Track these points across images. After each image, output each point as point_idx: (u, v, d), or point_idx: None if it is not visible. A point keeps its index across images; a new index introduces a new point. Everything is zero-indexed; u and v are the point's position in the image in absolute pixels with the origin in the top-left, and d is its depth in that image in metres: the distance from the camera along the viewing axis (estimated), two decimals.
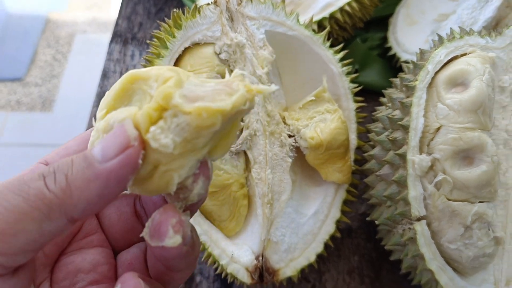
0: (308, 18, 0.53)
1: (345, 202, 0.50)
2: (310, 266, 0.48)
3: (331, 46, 0.51)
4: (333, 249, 0.56)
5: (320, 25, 0.60)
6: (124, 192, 0.26)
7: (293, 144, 0.48)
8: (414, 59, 0.61)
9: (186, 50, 0.46)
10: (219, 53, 0.46)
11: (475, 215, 0.41)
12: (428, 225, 0.42)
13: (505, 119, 0.45)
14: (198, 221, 0.45)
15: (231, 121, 0.27)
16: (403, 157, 0.42)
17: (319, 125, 0.47)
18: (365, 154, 0.49)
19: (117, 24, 0.82)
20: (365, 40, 0.73)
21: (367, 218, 0.49)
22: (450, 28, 0.49)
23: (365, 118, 0.53)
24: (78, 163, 0.24)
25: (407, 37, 0.68)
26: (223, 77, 0.46)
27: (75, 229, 0.32)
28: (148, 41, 0.48)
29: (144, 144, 0.25)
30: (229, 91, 0.25)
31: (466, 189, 0.41)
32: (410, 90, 0.44)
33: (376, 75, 0.69)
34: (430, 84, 0.44)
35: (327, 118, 0.48)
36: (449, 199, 0.41)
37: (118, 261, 0.33)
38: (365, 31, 0.74)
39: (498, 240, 0.42)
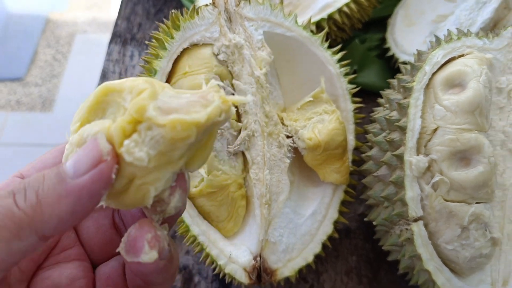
0: (306, 19, 0.53)
1: (343, 203, 0.50)
2: (308, 266, 0.48)
3: (330, 47, 0.52)
4: (331, 249, 0.56)
5: (319, 26, 0.61)
6: (100, 204, 0.26)
7: (291, 145, 0.49)
8: (413, 60, 0.61)
9: (184, 51, 0.46)
10: (218, 54, 0.46)
11: (472, 216, 0.41)
12: (425, 225, 0.42)
13: (502, 120, 0.45)
14: (196, 221, 0.46)
15: (207, 133, 0.27)
16: (400, 158, 0.42)
17: (317, 126, 0.47)
18: (363, 155, 0.49)
19: (116, 24, 0.82)
20: (363, 41, 0.73)
21: (365, 219, 0.50)
22: (448, 29, 0.49)
23: (363, 119, 0.54)
24: (50, 179, 0.24)
25: (405, 38, 0.68)
26: (221, 77, 0.46)
27: (52, 243, 0.32)
28: (146, 42, 0.48)
29: (118, 158, 0.24)
30: (204, 103, 0.25)
31: (463, 190, 0.41)
32: (407, 91, 0.44)
33: (374, 76, 0.70)
34: (428, 85, 0.44)
35: (325, 119, 0.48)
36: (446, 200, 0.41)
37: (96, 275, 0.32)
38: (364, 32, 0.74)
39: (495, 241, 0.43)
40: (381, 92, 0.51)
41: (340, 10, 0.60)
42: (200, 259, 0.47)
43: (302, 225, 0.48)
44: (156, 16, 0.83)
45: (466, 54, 0.45)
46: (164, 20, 0.47)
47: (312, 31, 0.51)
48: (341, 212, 0.50)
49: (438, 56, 0.45)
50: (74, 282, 0.30)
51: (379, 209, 0.47)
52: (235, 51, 0.47)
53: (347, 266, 0.56)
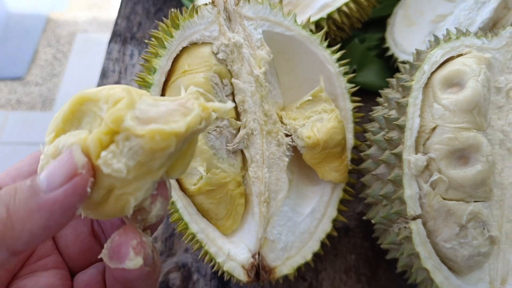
0: (305, 18, 0.53)
1: (342, 201, 0.51)
2: (307, 264, 0.48)
3: (329, 46, 0.52)
4: (330, 248, 0.56)
5: (318, 26, 0.61)
6: (78, 214, 0.25)
7: (290, 143, 0.49)
8: (412, 59, 0.61)
9: (184, 49, 0.46)
10: (217, 53, 0.47)
11: (470, 214, 0.41)
12: (424, 224, 0.43)
13: (501, 120, 0.45)
14: (195, 219, 0.46)
15: (188, 141, 0.26)
16: (398, 156, 0.42)
17: (316, 124, 0.48)
18: (362, 154, 0.49)
19: (116, 23, 0.82)
20: (363, 40, 0.74)
21: (364, 217, 0.50)
22: (446, 29, 0.49)
23: (362, 118, 0.54)
24: (22, 193, 0.23)
25: (405, 37, 0.68)
26: (220, 76, 0.46)
27: (28, 252, 0.31)
28: (146, 41, 0.48)
29: (94, 170, 0.24)
30: (183, 111, 0.25)
31: (461, 189, 0.41)
32: (406, 90, 0.44)
33: (373, 76, 0.70)
34: (426, 85, 0.44)
35: (324, 118, 0.48)
36: (444, 198, 0.42)
37: (75, 283, 0.32)
38: (363, 31, 0.75)
39: (493, 239, 0.43)
40: (380, 91, 0.51)
41: (339, 10, 0.60)
42: (199, 257, 0.47)
43: (301, 224, 0.48)
44: (156, 15, 0.83)
45: (465, 54, 0.45)
46: (164, 19, 0.47)
47: (311, 31, 0.51)
48: (340, 211, 0.50)
49: (437, 55, 0.45)
50: None
51: (378, 207, 0.47)
52: (234, 50, 0.47)
53: (346, 265, 0.56)
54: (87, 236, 0.33)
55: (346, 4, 0.60)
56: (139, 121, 0.24)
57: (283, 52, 0.51)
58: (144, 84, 0.45)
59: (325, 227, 0.49)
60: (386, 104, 0.48)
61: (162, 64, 0.45)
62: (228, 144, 0.46)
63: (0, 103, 1.91)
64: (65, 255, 0.32)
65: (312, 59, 0.51)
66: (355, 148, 0.52)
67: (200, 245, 0.45)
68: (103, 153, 0.23)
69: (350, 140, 0.51)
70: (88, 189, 0.23)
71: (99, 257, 0.27)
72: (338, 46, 0.52)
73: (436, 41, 0.47)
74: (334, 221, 0.50)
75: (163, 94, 0.46)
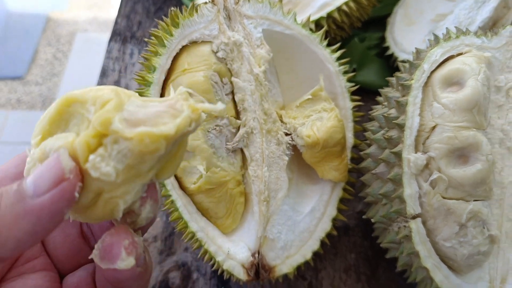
0: (305, 17, 0.53)
1: (342, 200, 0.51)
2: (307, 263, 0.48)
3: (329, 45, 0.52)
4: (329, 247, 0.56)
5: (318, 25, 0.61)
6: (67, 218, 0.25)
7: (290, 142, 0.49)
8: (411, 58, 0.61)
9: (183, 48, 0.46)
10: (217, 52, 0.47)
11: (470, 213, 0.41)
12: (423, 223, 0.43)
13: (501, 119, 0.45)
14: (195, 218, 0.46)
15: (178, 143, 0.26)
16: (398, 155, 0.42)
17: (316, 123, 0.48)
18: (362, 153, 0.49)
19: (116, 22, 0.82)
20: (363, 39, 0.74)
21: (363, 216, 0.50)
22: (446, 28, 0.49)
23: (362, 117, 0.54)
24: (8, 198, 0.22)
25: (405, 37, 0.68)
26: (220, 75, 0.46)
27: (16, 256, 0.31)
28: (146, 39, 0.48)
29: (82, 174, 0.23)
30: (173, 113, 0.24)
31: (461, 188, 0.41)
32: (406, 89, 0.44)
33: (373, 75, 0.70)
34: (426, 83, 0.44)
35: (324, 117, 0.48)
36: (444, 197, 0.42)
37: (64, 285, 0.31)
38: (363, 30, 0.75)
39: (493, 238, 0.43)
40: (380, 90, 0.51)
41: (339, 9, 0.60)
42: (199, 256, 0.47)
43: (301, 222, 0.48)
44: (156, 14, 0.83)
45: (465, 53, 0.45)
46: (164, 17, 0.47)
47: (311, 29, 0.51)
48: (339, 210, 0.50)
49: (437, 54, 0.45)
50: None
51: (377, 206, 0.47)
52: (234, 49, 0.47)
53: (346, 264, 0.56)
54: (76, 238, 0.32)
55: (346, 3, 0.60)
56: (128, 123, 0.23)
57: (283, 51, 0.51)
58: (144, 83, 0.45)
59: (325, 226, 0.49)
60: (385, 103, 0.48)
61: (162, 62, 0.45)
62: (227, 143, 0.46)
63: (0, 103, 1.91)
64: (53, 257, 0.32)
65: (312, 58, 0.51)
66: (355, 147, 0.52)
67: (199, 244, 0.45)
68: (91, 157, 0.23)
69: (350, 139, 0.51)
70: (76, 194, 0.23)
71: (90, 257, 0.26)
72: (338, 45, 0.52)
73: (436, 40, 0.47)
74: (334, 220, 0.50)
75: (162, 92, 0.46)
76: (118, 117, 0.23)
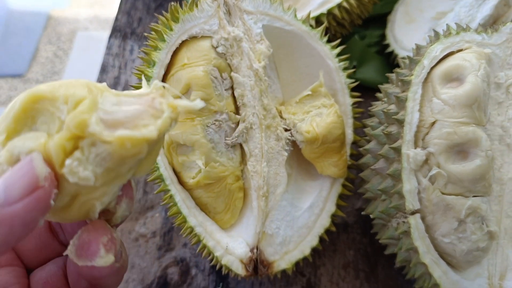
0: (305, 13, 0.53)
1: (341, 197, 0.50)
2: (305, 260, 0.48)
3: (329, 41, 0.52)
4: (328, 243, 0.56)
5: (318, 21, 0.61)
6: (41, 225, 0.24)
7: (289, 138, 0.49)
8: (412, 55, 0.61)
9: (183, 43, 0.46)
10: (216, 47, 0.47)
11: (469, 209, 0.41)
12: (422, 218, 0.42)
13: (501, 115, 0.45)
14: (193, 213, 0.46)
15: (157, 142, 0.25)
16: (397, 151, 0.42)
17: (315, 119, 0.48)
18: (361, 149, 0.49)
19: (116, 19, 0.82)
20: (363, 37, 0.73)
21: (362, 212, 0.50)
22: (447, 24, 0.49)
23: (362, 113, 0.54)
24: None
25: (405, 34, 0.68)
26: (220, 70, 0.46)
27: None
28: (146, 34, 0.48)
29: (58, 179, 0.22)
30: (153, 112, 0.23)
31: (460, 183, 0.41)
32: (405, 84, 0.44)
33: (374, 72, 0.70)
34: (426, 79, 0.44)
35: (323, 113, 0.48)
36: (443, 193, 0.41)
37: (32, 280, 0.30)
38: (364, 28, 0.75)
39: (492, 234, 0.43)
40: (380, 86, 0.51)
41: (339, 5, 0.60)
42: (197, 251, 0.47)
43: (299, 218, 0.48)
44: (157, 10, 0.83)
45: (465, 49, 0.45)
46: (164, 12, 0.47)
47: (311, 26, 0.51)
48: (339, 206, 0.50)
49: (437, 50, 0.45)
50: None
51: (377, 202, 0.47)
52: (234, 44, 0.47)
53: (345, 260, 0.56)
54: (44, 232, 0.31)
55: (347, 0, 0.60)
56: (105, 124, 0.22)
57: (283, 47, 0.51)
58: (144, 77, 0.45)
59: (324, 222, 0.49)
60: (385, 99, 0.48)
61: (161, 57, 0.45)
62: (227, 138, 0.46)
63: (0, 100, 1.91)
64: (20, 252, 0.31)
65: (311, 54, 0.51)
66: (354, 143, 0.52)
67: (198, 238, 0.45)
68: (68, 161, 0.21)
69: (349, 135, 0.51)
70: (52, 202, 0.22)
71: (64, 254, 0.25)
72: (338, 41, 0.52)
73: (436, 36, 0.47)
74: (333, 216, 0.50)
75: None
76: (95, 118, 0.22)
